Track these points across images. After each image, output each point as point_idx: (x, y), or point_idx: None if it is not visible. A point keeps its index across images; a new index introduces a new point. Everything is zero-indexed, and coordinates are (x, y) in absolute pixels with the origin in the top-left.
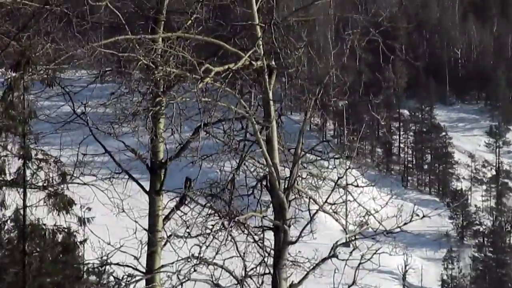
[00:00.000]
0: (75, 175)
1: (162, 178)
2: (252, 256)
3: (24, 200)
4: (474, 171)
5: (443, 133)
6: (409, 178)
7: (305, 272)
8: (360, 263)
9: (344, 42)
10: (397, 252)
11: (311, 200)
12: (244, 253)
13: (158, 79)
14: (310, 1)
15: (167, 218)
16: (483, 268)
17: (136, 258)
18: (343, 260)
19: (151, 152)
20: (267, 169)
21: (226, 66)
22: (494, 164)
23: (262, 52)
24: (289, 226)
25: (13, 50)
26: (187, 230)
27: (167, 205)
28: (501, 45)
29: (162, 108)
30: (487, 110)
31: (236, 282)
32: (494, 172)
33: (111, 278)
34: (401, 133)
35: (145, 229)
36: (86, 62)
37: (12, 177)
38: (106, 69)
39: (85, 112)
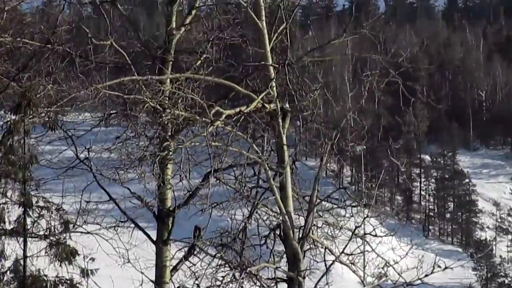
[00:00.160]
0: (78, 223)
1: (170, 227)
2: None
3: (24, 250)
4: (499, 220)
5: (467, 180)
6: (430, 227)
7: None
8: None
9: (362, 83)
10: None
11: (327, 250)
12: None
13: (166, 122)
14: (326, 40)
15: (175, 269)
16: None
17: None
18: None
19: (158, 200)
20: (281, 218)
21: (238, 109)
22: None
23: (276, 94)
24: (304, 278)
25: (13, 92)
26: (196, 282)
27: (175, 255)
28: None
29: (170, 153)
30: None
31: None
32: None
33: None
34: (422, 179)
35: (152, 281)
36: (89, 104)
37: (12, 226)
38: (111, 111)
39: (89, 157)
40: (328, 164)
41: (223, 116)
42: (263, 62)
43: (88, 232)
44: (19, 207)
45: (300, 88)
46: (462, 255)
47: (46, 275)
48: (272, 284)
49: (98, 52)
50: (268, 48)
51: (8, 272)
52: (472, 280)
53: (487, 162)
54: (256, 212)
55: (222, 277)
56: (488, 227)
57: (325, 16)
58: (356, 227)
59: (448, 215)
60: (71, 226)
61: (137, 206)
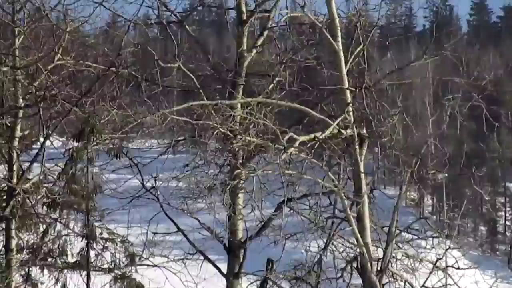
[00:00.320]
0: (144, 256)
1: (241, 259)
2: None
3: (87, 284)
4: None
5: None
6: None
7: None
8: None
9: (444, 108)
10: None
11: (406, 284)
12: None
13: (237, 149)
14: (405, 62)
15: None
16: None
17: None
18: None
19: (229, 231)
20: (358, 249)
21: (312, 135)
22: None
23: (352, 119)
24: None
25: (76, 117)
26: None
27: None
28: None
29: (241, 181)
30: None
31: None
32: None
33: None
34: (507, 209)
35: None
36: (156, 130)
37: (74, 259)
38: (179, 138)
39: (156, 186)
40: (408, 193)
41: (297, 142)
42: (339, 86)
43: (155, 265)
44: (82, 239)
45: (378, 113)
46: None
47: None
48: None
49: (165, 75)
50: (344, 71)
51: None
52: None
53: None
54: (332, 244)
55: None
56: None
57: (404, 37)
58: (438, 259)
59: None
60: (137, 259)
61: (207, 237)
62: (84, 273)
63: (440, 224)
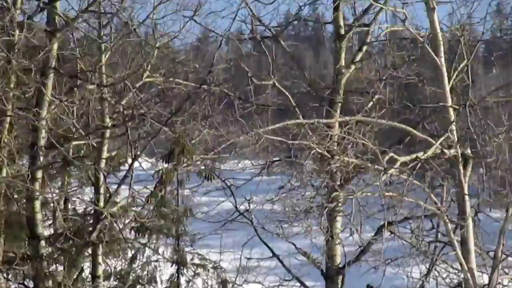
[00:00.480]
0: (237, 282)
1: (340, 285)
2: None
3: None
4: None
5: None
6: None
7: None
8: None
9: None
10: None
11: None
12: None
13: (335, 170)
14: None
15: None
16: None
17: None
18: None
19: (326, 256)
20: (462, 275)
21: (414, 155)
22: None
23: (456, 139)
24: None
25: (165, 137)
26: None
27: None
28: None
29: (339, 204)
30: None
31: None
32: None
33: None
34: None
35: None
36: (250, 151)
37: (164, 285)
38: (274, 159)
39: (249, 209)
40: None
41: (398, 163)
42: (441, 103)
43: None
44: (172, 265)
45: (483, 132)
46: None
47: None
48: None
49: (259, 93)
50: (448, 88)
51: None
52: None
53: None
54: (435, 269)
55: None
56: None
57: (511, 52)
58: None
59: None
60: (229, 285)
61: (303, 263)
62: None
63: None
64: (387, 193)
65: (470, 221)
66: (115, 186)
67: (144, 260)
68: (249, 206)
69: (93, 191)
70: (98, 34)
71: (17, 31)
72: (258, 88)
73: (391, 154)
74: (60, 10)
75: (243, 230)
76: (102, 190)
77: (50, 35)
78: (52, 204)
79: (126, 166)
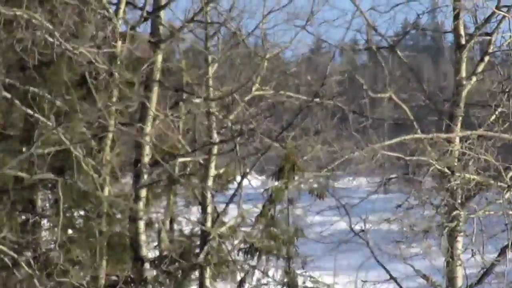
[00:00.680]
0: None
1: None
2: None
3: None
4: None
5: None
6: None
7: None
8: None
9: None
10: None
11: None
12: None
13: (455, 188)
14: None
15: None
16: None
17: None
18: None
19: (447, 278)
20: None
21: None
22: None
23: None
24: None
25: (276, 154)
26: None
27: None
28: None
29: (460, 223)
30: None
31: None
32: None
33: None
34: None
35: None
36: (365, 167)
37: None
38: (391, 176)
39: (365, 229)
40: None
41: None
42: None
43: None
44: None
45: None
46: None
47: None
48: None
49: (375, 106)
50: None
51: None
52: None
53: None
54: None
55: None
56: None
57: None
58: None
59: None
60: None
61: (422, 286)
62: None
63: None
64: (511, 212)
65: None
66: (223, 205)
67: (254, 283)
68: (365, 226)
69: (200, 210)
70: (205, 45)
71: (119, 42)
72: (374, 101)
73: None
74: (164, 20)
75: (358, 251)
76: (209, 210)
77: (154, 46)
78: (157, 225)
79: (235, 184)
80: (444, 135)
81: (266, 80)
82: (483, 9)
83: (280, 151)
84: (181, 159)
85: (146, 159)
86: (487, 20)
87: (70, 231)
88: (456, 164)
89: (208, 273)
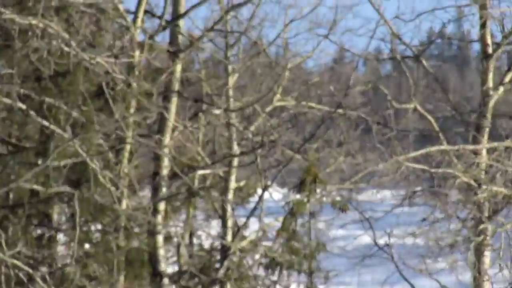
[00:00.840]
0: None
1: None
2: None
3: None
4: None
5: None
6: None
7: None
8: None
9: None
10: None
11: None
12: None
13: (482, 201)
14: None
15: None
16: None
17: None
18: None
19: None
20: None
21: None
22: None
23: None
24: None
25: (297, 166)
26: None
27: None
28: None
29: (488, 238)
30: None
31: None
32: None
33: None
34: None
35: None
36: (390, 180)
37: None
38: (416, 188)
39: (390, 243)
40: None
41: None
42: None
43: None
44: None
45: None
46: None
47: None
48: None
49: (399, 117)
50: None
51: None
52: None
53: None
54: None
55: None
56: None
57: None
58: None
59: None
60: None
61: None
62: None
63: None
64: None
65: None
66: (243, 219)
67: None
68: (389, 240)
69: (220, 224)
70: (225, 55)
71: (137, 52)
72: (398, 112)
73: None
74: (184, 29)
75: (382, 266)
76: (230, 223)
77: (173, 56)
78: (175, 239)
79: (256, 197)
80: (470, 147)
81: (288, 91)
82: (510, 18)
83: (302, 163)
84: (200, 172)
85: (165, 172)
86: None
87: (86, 246)
88: (483, 176)
89: None
